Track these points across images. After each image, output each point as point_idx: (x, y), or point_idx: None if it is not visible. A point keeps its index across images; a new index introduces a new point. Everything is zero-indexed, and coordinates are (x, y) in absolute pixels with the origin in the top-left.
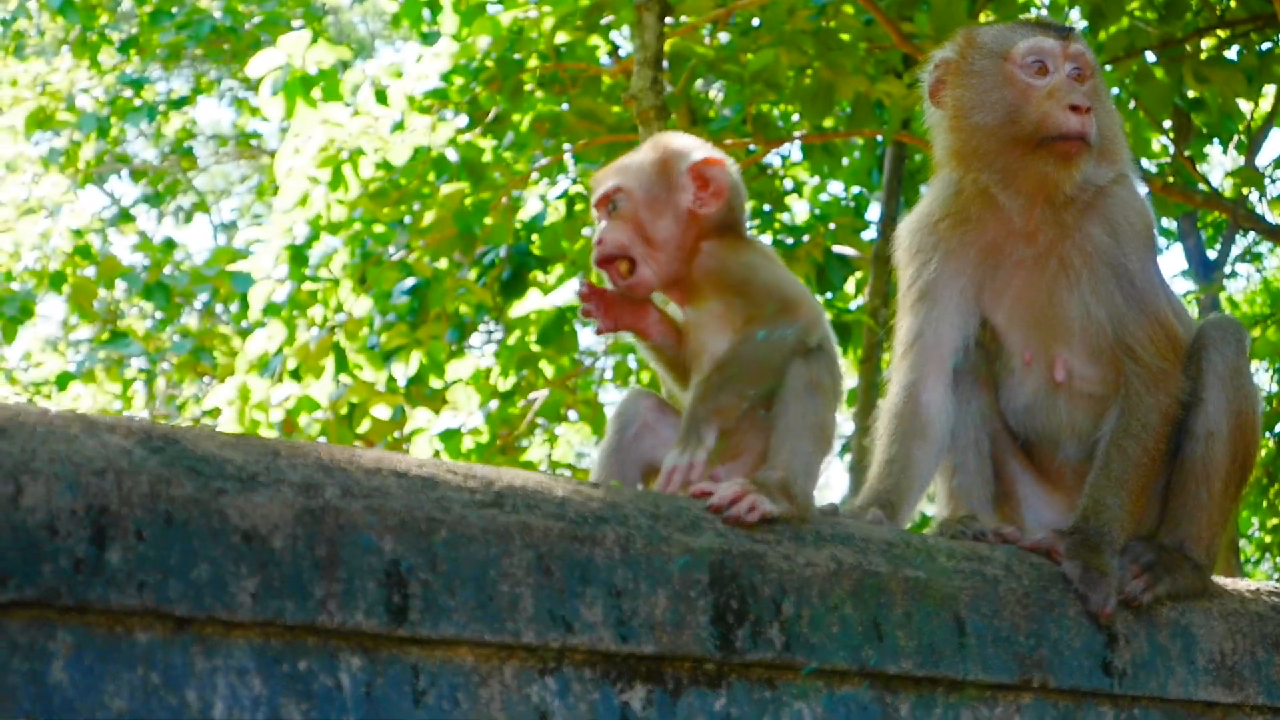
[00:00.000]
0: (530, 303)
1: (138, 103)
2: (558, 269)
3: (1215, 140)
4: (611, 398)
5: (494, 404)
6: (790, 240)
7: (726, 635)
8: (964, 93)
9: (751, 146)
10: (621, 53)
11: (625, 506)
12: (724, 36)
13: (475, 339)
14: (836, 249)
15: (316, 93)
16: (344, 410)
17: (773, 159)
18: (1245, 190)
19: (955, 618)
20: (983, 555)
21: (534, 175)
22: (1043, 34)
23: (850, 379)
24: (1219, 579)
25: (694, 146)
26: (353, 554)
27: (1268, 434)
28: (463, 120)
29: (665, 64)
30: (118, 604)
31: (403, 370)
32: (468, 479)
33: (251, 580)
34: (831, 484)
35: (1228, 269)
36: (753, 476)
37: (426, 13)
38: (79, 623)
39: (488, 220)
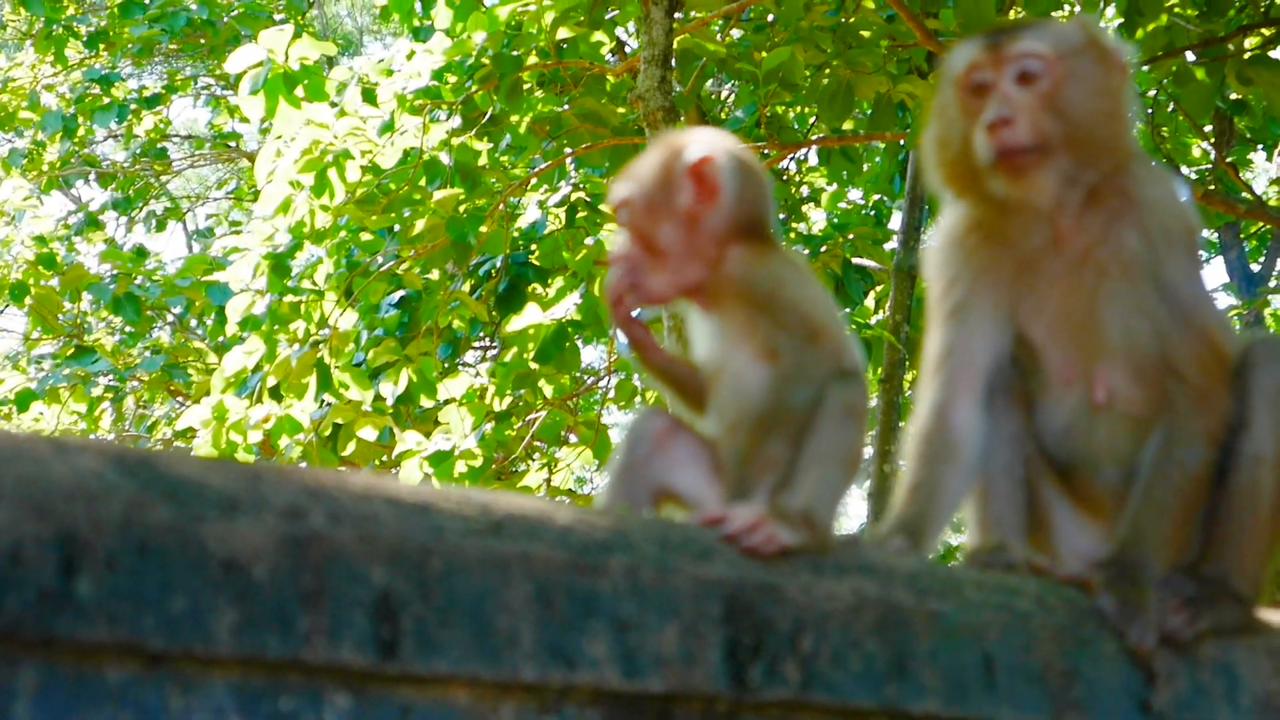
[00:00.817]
0: (528, 317)
1: (106, 101)
2: (558, 281)
3: (1260, 146)
4: (615, 419)
5: (489, 425)
6: (807, 251)
7: (740, 672)
8: (929, 129)
9: (766, 151)
10: (627, 50)
11: (632, 534)
12: (737, 33)
13: (469, 356)
14: (856, 260)
15: (299, 91)
16: (327, 432)
17: (788, 164)
18: None
19: (984, 654)
20: (1013, 588)
21: (533, 180)
22: (976, 47)
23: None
24: (1265, 614)
25: (693, 143)
26: (340, 585)
27: None
28: (457, 121)
29: (674, 62)
30: (87, 638)
31: (391, 389)
32: (463, 506)
33: (231, 613)
34: (849, 512)
35: (1272, 283)
36: (773, 502)
37: (419, 6)
38: (45, 658)
39: (483, 228)
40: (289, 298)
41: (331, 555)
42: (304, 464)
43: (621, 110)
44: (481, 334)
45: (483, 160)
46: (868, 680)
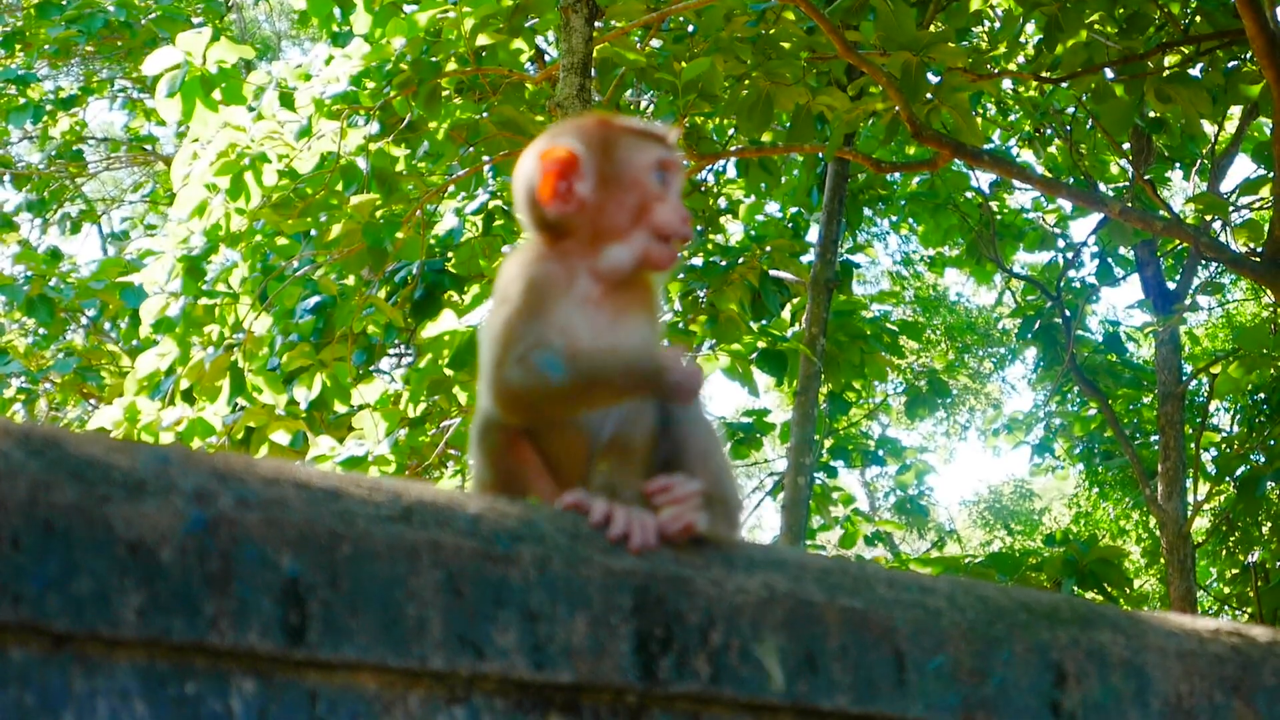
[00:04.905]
0: (443, 324)
1: (22, 101)
2: (474, 288)
3: (1177, 164)
4: None
5: (403, 432)
6: (724, 262)
7: (650, 665)
8: None
9: (684, 161)
10: (546, 58)
11: (543, 524)
12: (656, 43)
13: (384, 362)
14: (773, 273)
15: (217, 94)
16: (240, 435)
17: (707, 175)
18: (1208, 217)
19: (895, 651)
20: (925, 586)
21: (450, 187)
22: None
23: (784, 413)
24: (1176, 616)
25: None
26: (247, 569)
27: (1228, 479)
28: (374, 127)
29: (593, 71)
30: None
31: (305, 394)
32: (374, 492)
33: (137, 595)
34: (765, 523)
35: (1188, 301)
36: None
37: (337, 11)
38: None
39: (399, 235)
40: (203, 301)
41: (239, 539)
42: None
43: (540, 118)
44: (397, 340)
45: (400, 166)
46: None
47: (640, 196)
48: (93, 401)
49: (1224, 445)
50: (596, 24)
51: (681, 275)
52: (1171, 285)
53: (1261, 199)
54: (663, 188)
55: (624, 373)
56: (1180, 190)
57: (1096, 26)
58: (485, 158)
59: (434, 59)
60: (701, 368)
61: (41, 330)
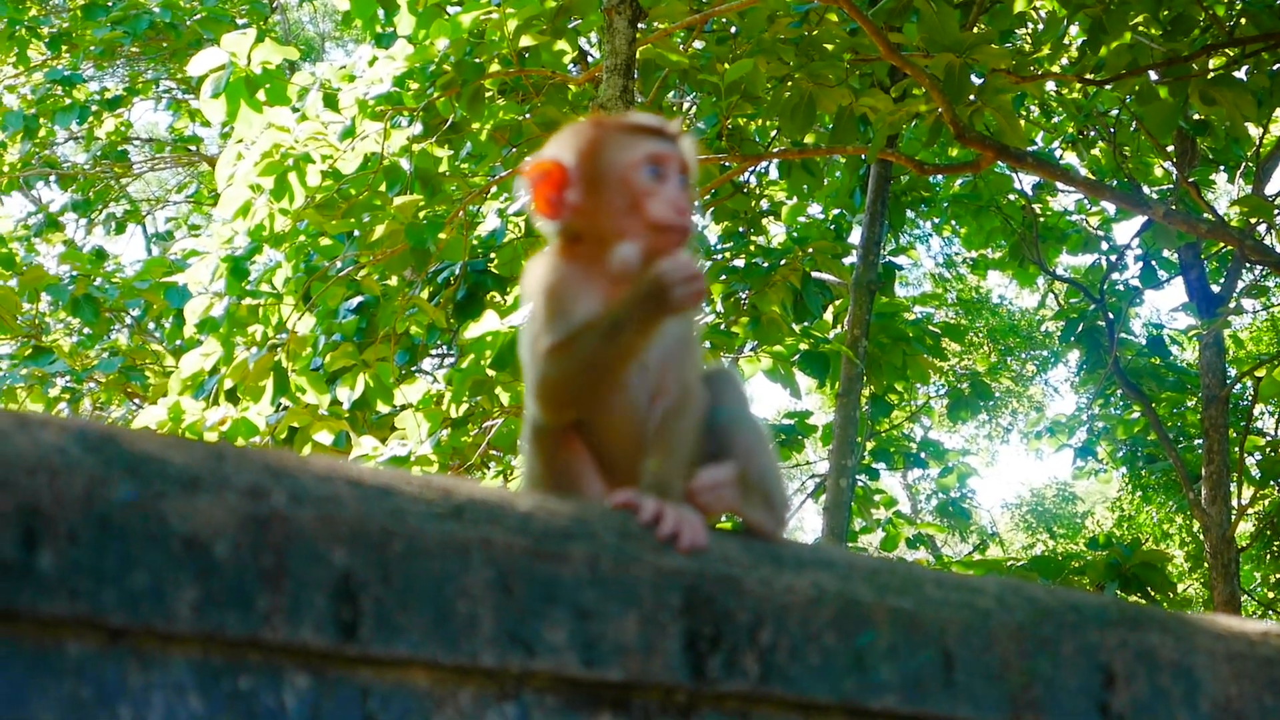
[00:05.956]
0: (486, 324)
1: (68, 102)
2: (516, 289)
3: (1221, 167)
4: None
5: (445, 432)
6: (766, 264)
7: (699, 663)
8: None
9: (727, 163)
10: (589, 59)
11: (594, 523)
12: (699, 44)
13: (426, 362)
14: (815, 275)
15: (261, 95)
16: (283, 435)
17: (749, 177)
18: (1253, 220)
19: (943, 651)
20: (973, 586)
21: (493, 188)
22: None
23: (826, 415)
24: (1226, 618)
25: None
26: (301, 565)
27: (1272, 482)
28: (418, 128)
29: (636, 72)
30: (48, 612)
31: (348, 394)
32: (425, 490)
33: (192, 590)
34: (806, 525)
35: (1232, 304)
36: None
37: (381, 12)
38: (6, 631)
39: (442, 235)
40: (247, 301)
41: (292, 535)
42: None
43: (583, 119)
44: (439, 340)
45: (443, 167)
46: (826, 675)
47: (630, 195)
48: (137, 401)
49: (1268, 449)
50: (640, 25)
51: (723, 277)
52: (1215, 288)
53: None
54: (655, 181)
55: (623, 308)
56: (1224, 193)
57: (1141, 28)
58: (528, 159)
59: (477, 60)
60: (697, 261)
61: (86, 330)
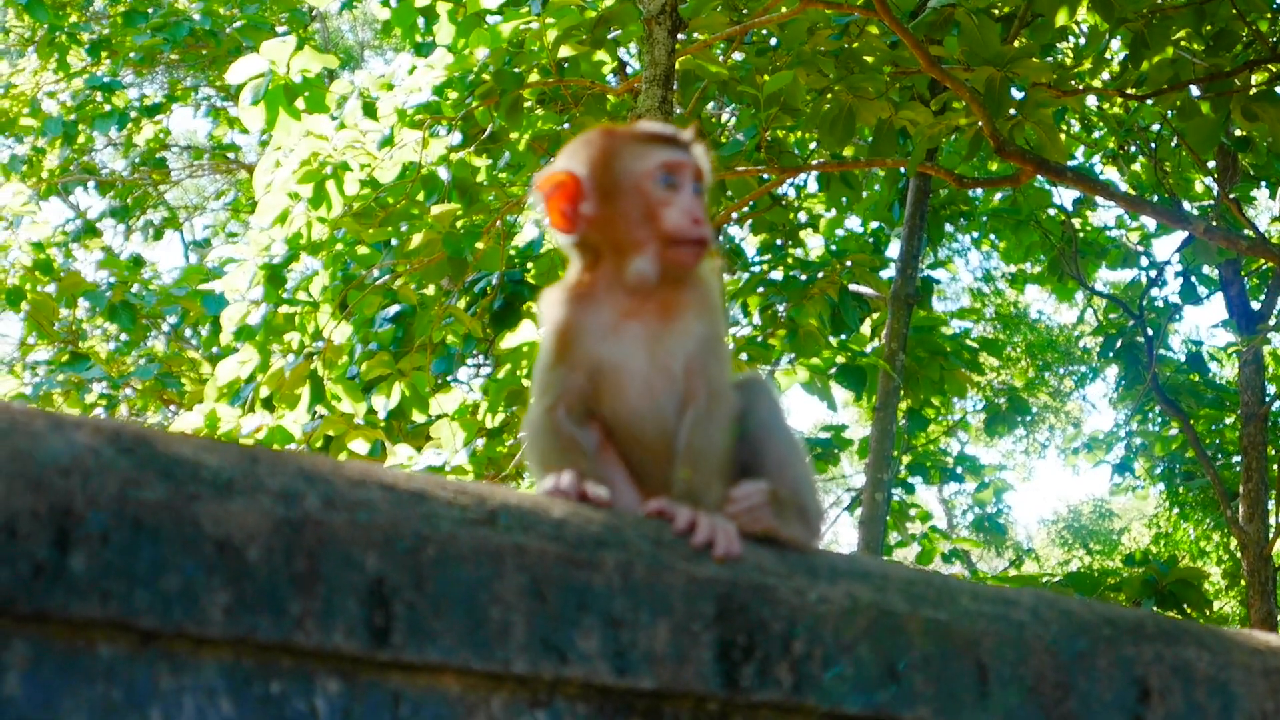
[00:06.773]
0: (522, 334)
1: (107, 109)
2: None
3: (1263, 183)
4: None
5: (480, 442)
6: (804, 277)
7: (732, 673)
8: None
9: (765, 175)
10: (628, 70)
11: (626, 531)
12: (739, 56)
13: (462, 372)
14: (853, 287)
15: (300, 103)
16: (319, 444)
17: (788, 189)
18: None
19: (978, 663)
20: (1008, 599)
21: (530, 199)
22: None
23: (863, 428)
24: (1262, 634)
25: None
26: (333, 569)
27: None
28: (456, 137)
29: (675, 83)
30: (79, 614)
31: (383, 403)
32: (459, 496)
33: (224, 593)
34: (842, 539)
35: (1272, 321)
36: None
37: (421, 21)
38: (37, 633)
39: (479, 245)
40: (284, 309)
41: (325, 540)
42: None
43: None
44: (475, 350)
45: (481, 177)
46: (859, 685)
47: (644, 205)
48: (173, 408)
49: None
50: (679, 36)
51: (761, 289)
52: (1256, 305)
53: None
54: (669, 191)
55: None
56: (1266, 209)
57: (1183, 43)
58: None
59: (516, 70)
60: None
61: (123, 336)
